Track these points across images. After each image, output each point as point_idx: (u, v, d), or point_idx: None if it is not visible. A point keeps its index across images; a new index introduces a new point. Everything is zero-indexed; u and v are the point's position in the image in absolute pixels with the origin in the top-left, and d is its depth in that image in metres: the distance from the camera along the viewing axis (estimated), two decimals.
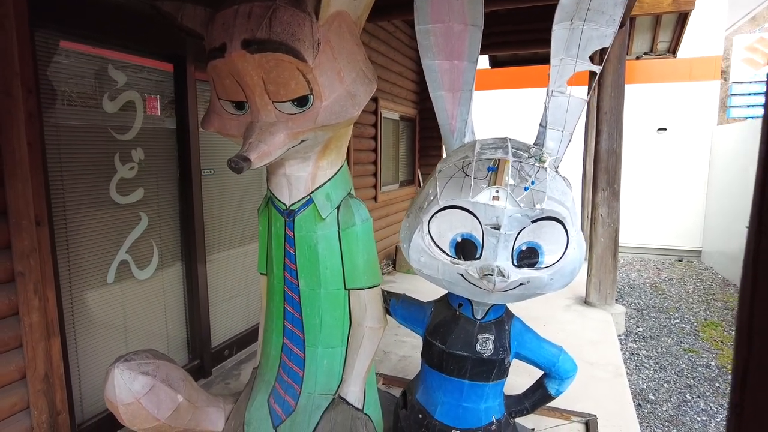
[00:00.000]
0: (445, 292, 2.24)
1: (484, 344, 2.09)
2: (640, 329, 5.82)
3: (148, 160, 3.05)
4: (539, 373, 2.33)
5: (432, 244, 1.81)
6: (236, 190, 4.00)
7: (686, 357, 5.06)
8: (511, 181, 1.80)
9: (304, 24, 1.85)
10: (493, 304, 2.09)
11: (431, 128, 8.47)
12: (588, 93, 7.50)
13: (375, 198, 6.51)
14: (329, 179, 2.26)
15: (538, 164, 1.88)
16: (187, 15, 2.15)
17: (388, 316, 2.42)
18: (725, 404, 4.14)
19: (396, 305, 2.39)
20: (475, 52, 1.91)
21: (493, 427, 2.19)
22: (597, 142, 5.32)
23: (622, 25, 4.73)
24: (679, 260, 10.10)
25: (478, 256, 1.77)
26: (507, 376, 2.21)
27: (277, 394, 2.43)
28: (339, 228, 2.27)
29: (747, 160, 8.14)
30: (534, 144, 1.99)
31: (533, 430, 2.81)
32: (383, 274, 6.71)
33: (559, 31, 1.83)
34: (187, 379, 2.29)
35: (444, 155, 2.09)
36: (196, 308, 3.49)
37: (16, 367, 2.24)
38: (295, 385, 2.40)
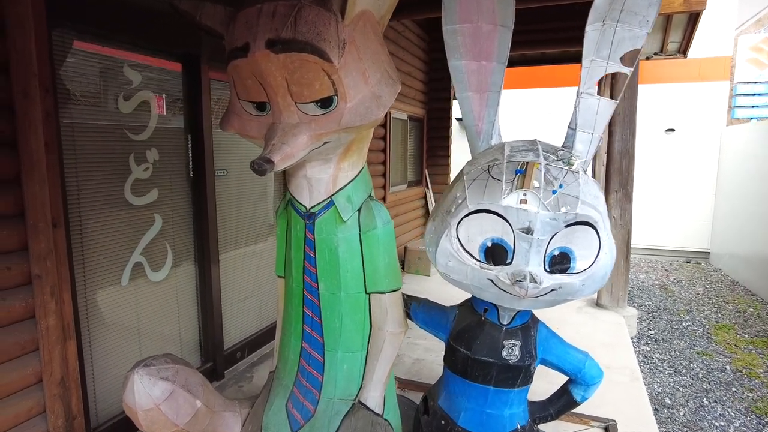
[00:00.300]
0: (468, 296, 2.20)
1: (510, 350, 2.04)
2: (652, 332, 5.77)
3: (162, 161, 3.02)
4: (557, 376, 2.28)
5: (460, 248, 1.77)
6: (249, 190, 3.97)
7: (700, 360, 5.01)
8: (538, 185, 1.76)
9: (329, 23, 1.81)
10: (519, 310, 2.05)
11: (439, 128, 8.43)
12: (602, 93, 7.47)
13: (384, 198, 6.48)
14: (350, 181, 2.23)
15: (566, 167, 1.84)
16: (206, 13, 2.11)
17: (408, 321, 2.38)
18: (743, 409, 4.10)
19: (417, 309, 2.35)
20: (504, 52, 1.87)
21: None
22: (609, 143, 5.27)
23: None
24: (687, 262, 10.04)
25: (508, 261, 1.73)
26: (531, 383, 2.18)
27: (296, 399, 2.40)
28: (360, 231, 2.23)
29: (757, 162, 8.08)
30: (562, 146, 1.95)
31: None
32: None
33: (591, 32, 1.79)
34: (205, 383, 2.26)
35: (463, 158, 2.05)
36: (209, 310, 3.46)
37: (32, 371, 2.21)
38: (314, 389, 2.37)
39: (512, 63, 8.54)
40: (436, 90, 8.18)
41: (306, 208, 2.23)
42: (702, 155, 10.20)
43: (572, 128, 1.93)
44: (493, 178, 1.82)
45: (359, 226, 2.23)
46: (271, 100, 1.96)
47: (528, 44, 7.24)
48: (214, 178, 3.40)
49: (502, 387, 2.09)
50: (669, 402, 4.12)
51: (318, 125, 1.94)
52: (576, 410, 2.91)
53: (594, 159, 7.97)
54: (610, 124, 5.25)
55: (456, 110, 9.29)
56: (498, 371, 2.06)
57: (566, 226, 1.69)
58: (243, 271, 3.93)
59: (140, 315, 2.97)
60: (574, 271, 1.77)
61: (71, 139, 2.48)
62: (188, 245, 3.32)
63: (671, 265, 9.59)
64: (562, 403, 2.28)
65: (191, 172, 3.27)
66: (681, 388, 4.37)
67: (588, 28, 1.76)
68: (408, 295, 2.42)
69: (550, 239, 1.70)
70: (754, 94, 11.72)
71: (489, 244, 1.75)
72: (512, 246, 1.72)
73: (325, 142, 2.01)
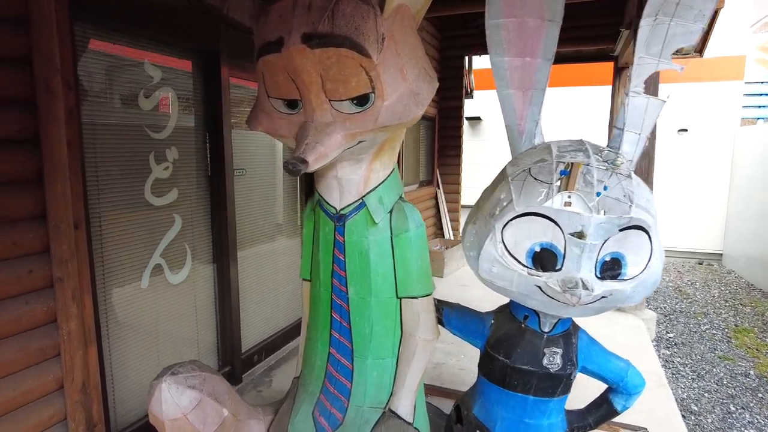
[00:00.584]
0: (507, 301, 2.12)
1: (551, 358, 1.96)
2: (671, 335, 5.68)
3: (182, 160, 2.95)
4: (589, 384, 2.20)
5: (506, 253, 1.69)
6: (267, 190, 3.89)
7: (723, 365, 4.92)
8: (587, 186, 1.68)
9: (368, 17, 1.73)
10: (560, 317, 1.97)
11: (450, 128, 8.34)
12: (617, 92, 7.36)
13: None
14: (382, 182, 2.15)
15: (612, 168, 1.76)
16: (234, 7, 2.04)
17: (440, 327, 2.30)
18: None
19: (450, 315, 2.27)
20: (551, 48, 1.79)
21: None
22: None
23: None
24: (700, 263, 9.94)
25: (558, 267, 1.64)
26: (570, 391, 2.10)
27: (323, 407, 2.32)
28: (392, 233, 2.15)
29: None
30: (609, 147, 1.87)
31: None
32: None
33: (644, 27, 1.70)
34: (231, 391, 2.19)
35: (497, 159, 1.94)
36: (227, 312, 3.38)
37: (53, 378, 2.14)
38: (342, 397, 2.29)
39: None
40: (447, 89, 8.08)
41: (336, 209, 2.15)
42: (715, 156, 10.08)
43: (619, 128, 1.85)
44: (534, 179, 1.74)
45: (391, 228, 2.15)
46: (303, 97, 1.88)
47: None
48: (233, 177, 3.32)
49: (542, 396, 2.02)
50: (695, 408, 4.04)
51: (353, 124, 1.86)
52: None
53: None
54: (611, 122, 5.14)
55: (467, 110, 9.22)
56: (538, 380, 1.98)
57: (620, 231, 1.61)
58: (260, 272, 3.86)
59: (159, 318, 2.90)
60: (625, 278, 1.69)
61: (92, 137, 2.41)
62: (207, 246, 3.25)
63: (683, 267, 9.49)
64: (601, 412, 2.20)
65: (210, 172, 3.19)
66: (706, 394, 4.28)
67: (642, 23, 1.68)
68: (439, 300, 2.34)
69: (602, 244, 1.62)
70: (761, 95, 11.61)
71: (537, 249, 1.67)
72: (562, 251, 1.63)
73: (359, 142, 1.93)
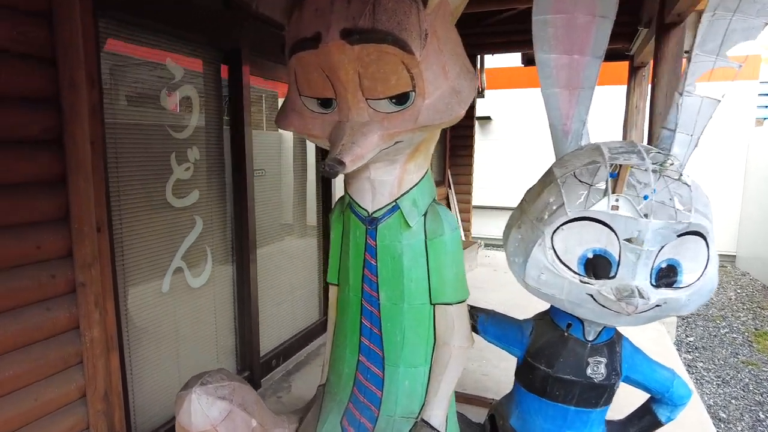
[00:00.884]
0: (546, 307, 2.04)
1: (595, 368, 1.88)
2: (691, 339, 5.58)
3: (203, 160, 2.87)
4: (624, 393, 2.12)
5: (556, 260, 1.61)
6: (286, 190, 3.82)
7: (747, 370, 4.82)
8: (640, 190, 1.60)
9: (410, 12, 1.65)
10: (605, 325, 1.88)
11: (461, 127, 8.22)
12: (632, 90, 7.26)
13: None
14: (416, 184, 2.07)
15: (660, 171, 1.68)
16: (264, 2, 1.95)
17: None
18: None
19: (486, 322, 2.19)
20: (601, 46, 1.70)
21: None
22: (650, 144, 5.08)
23: (680, 21, 4.49)
24: None
25: (612, 275, 1.56)
26: (612, 402, 2.01)
27: (352, 416, 2.24)
28: (426, 237, 2.07)
29: None
30: (658, 149, 1.79)
31: None
32: None
33: (703, 23, 1.62)
34: (259, 401, 2.12)
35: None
36: (246, 315, 3.31)
37: (76, 386, 2.06)
38: (372, 406, 2.21)
39: (532, 61, 8.37)
40: None
41: (368, 212, 2.07)
42: (729, 156, 9.96)
43: (670, 129, 1.77)
44: (580, 181, 1.66)
45: (425, 232, 2.07)
46: (339, 96, 1.80)
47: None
48: (254, 178, 3.24)
49: (584, 407, 1.94)
50: (724, 416, 3.95)
51: (390, 123, 1.79)
52: None
53: None
54: (651, 124, 5.06)
55: (479, 109, 9.13)
56: (581, 390, 1.90)
57: (677, 236, 1.53)
58: (279, 274, 3.78)
59: (179, 322, 2.82)
60: (681, 285, 1.61)
61: (113, 137, 2.34)
62: (227, 249, 3.17)
63: None
64: (644, 424, 2.12)
65: (231, 172, 3.11)
66: (733, 401, 4.19)
67: (703, 18, 1.60)
68: (473, 306, 2.25)
69: (659, 251, 1.54)
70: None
71: (590, 255, 1.59)
72: (617, 258, 1.55)
73: (396, 142, 1.85)
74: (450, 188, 8.29)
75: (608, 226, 1.53)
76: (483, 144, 11.28)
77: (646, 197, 1.61)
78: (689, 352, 5.24)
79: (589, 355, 1.89)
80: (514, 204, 1.93)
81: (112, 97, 2.35)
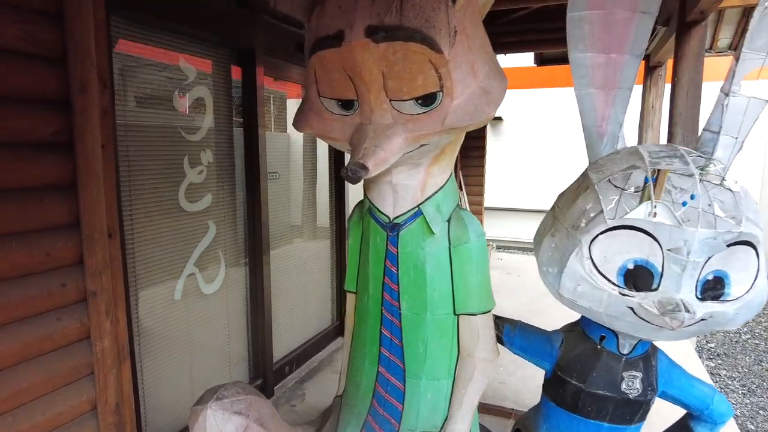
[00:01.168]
0: (577, 318, 1.94)
1: (630, 383, 1.78)
2: (712, 345, 5.45)
3: (216, 164, 2.79)
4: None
5: (594, 270, 1.51)
6: (299, 194, 3.73)
7: None
8: (687, 196, 1.51)
9: (439, 8, 1.56)
10: (647, 339, 1.78)
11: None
12: (648, 89, 7.12)
13: None
14: (440, 188, 1.98)
15: (702, 176, 1.58)
16: (282, 0, 1.87)
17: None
18: None
19: (512, 333, 2.09)
20: (641, 43, 1.61)
21: None
22: None
23: (703, 19, 4.37)
24: None
25: (654, 287, 1.47)
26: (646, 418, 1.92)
27: (371, 429, 2.16)
28: (450, 244, 1.98)
29: None
30: (700, 152, 1.69)
31: None
32: None
33: (754, 19, 1.52)
34: (275, 414, 2.03)
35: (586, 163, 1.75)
36: (259, 322, 3.23)
37: (87, 398, 1.98)
38: (392, 419, 2.13)
39: (552, 60, 8.18)
40: None
41: (389, 218, 1.98)
42: (745, 159, 9.76)
43: (713, 131, 1.66)
44: (615, 187, 1.57)
45: (449, 239, 1.98)
46: (361, 97, 1.72)
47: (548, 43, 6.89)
48: (267, 181, 3.16)
49: (618, 423, 1.84)
50: (752, 427, 3.82)
51: (415, 126, 1.70)
52: None
53: None
54: (670, 125, 4.93)
55: None
56: (615, 406, 1.80)
57: (727, 246, 1.43)
58: (291, 279, 3.70)
59: (191, 331, 2.74)
60: (728, 298, 1.51)
61: (124, 140, 2.27)
62: (240, 254, 3.09)
63: None
64: None
65: (244, 175, 3.03)
66: (761, 411, 4.06)
67: (754, 13, 1.50)
68: (498, 317, 2.16)
69: (706, 261, 1.44)
70: None
71: (630, 266, 1.49)
72: (660, 269, 1.46)
73: (422, 145, 1.76)
74: (462, 190, 8.18)
75: (651, 236, 1.44)
76: (495, 145, 11.15)
77: (684, 203, 1.51)
78: (711, 359, 5.11)
79: (623, 370, 1.79)
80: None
81: (124, 99, 2.28)
